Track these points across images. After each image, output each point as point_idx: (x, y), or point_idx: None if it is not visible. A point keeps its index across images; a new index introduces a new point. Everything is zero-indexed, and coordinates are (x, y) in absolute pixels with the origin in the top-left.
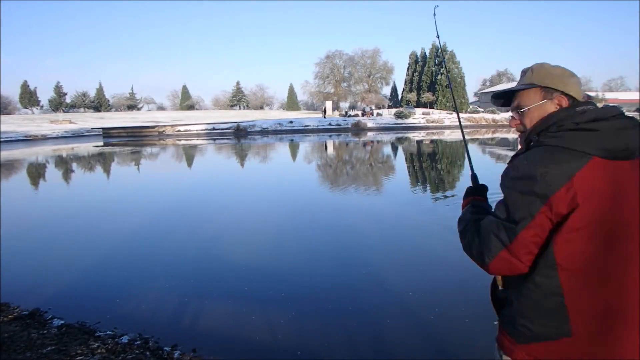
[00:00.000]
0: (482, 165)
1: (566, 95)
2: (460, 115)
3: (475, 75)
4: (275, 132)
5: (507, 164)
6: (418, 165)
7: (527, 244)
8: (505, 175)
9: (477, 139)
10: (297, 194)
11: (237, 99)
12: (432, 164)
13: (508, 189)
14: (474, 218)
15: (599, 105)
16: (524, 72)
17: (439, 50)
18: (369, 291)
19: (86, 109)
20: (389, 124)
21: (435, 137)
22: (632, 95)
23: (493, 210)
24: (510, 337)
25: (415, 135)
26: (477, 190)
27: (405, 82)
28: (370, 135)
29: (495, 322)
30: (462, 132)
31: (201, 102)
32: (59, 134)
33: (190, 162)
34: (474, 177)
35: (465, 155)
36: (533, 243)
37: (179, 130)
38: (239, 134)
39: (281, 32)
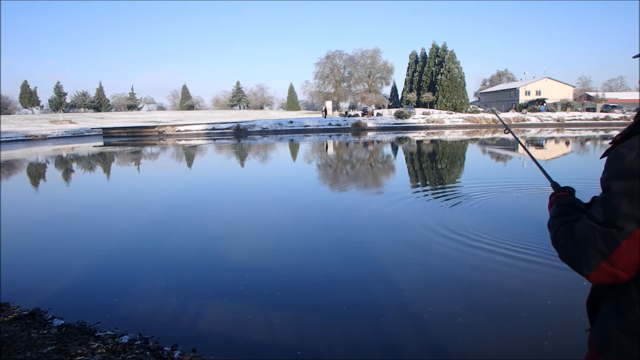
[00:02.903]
0: (482, 165)
1: None
2: (460, 115)
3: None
4: (275, 132)
5: (613, 147)
6: (418, 164)
7: (632, 252)
8: (611, 169)
9: (477, 138)
10: (295, 194)
11: (237, 99)
12: (431, 164)
13: (610, 185)
14: (564, 221)
15: (599, 105)
16: None
17: None
18: (365, 289)
19: (86, 109)
20: (389, 124)
21: (435, 137)
22: (632, 95)
23: (587, 204)
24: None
25: (415, 135)
26: (561, 188)
27: (405, 82)
28: (370, 135)
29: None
30: (518, 139)
31: (201, 102)
32: (59, 134)
33: (190, 162)
34: (555, 185)
35: (537, 166)
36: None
37: (179, 130)
38: (239, 134)
39: (281, 32)
